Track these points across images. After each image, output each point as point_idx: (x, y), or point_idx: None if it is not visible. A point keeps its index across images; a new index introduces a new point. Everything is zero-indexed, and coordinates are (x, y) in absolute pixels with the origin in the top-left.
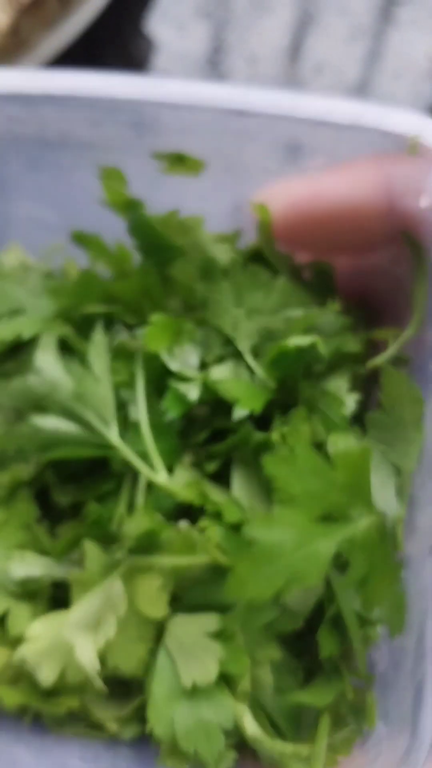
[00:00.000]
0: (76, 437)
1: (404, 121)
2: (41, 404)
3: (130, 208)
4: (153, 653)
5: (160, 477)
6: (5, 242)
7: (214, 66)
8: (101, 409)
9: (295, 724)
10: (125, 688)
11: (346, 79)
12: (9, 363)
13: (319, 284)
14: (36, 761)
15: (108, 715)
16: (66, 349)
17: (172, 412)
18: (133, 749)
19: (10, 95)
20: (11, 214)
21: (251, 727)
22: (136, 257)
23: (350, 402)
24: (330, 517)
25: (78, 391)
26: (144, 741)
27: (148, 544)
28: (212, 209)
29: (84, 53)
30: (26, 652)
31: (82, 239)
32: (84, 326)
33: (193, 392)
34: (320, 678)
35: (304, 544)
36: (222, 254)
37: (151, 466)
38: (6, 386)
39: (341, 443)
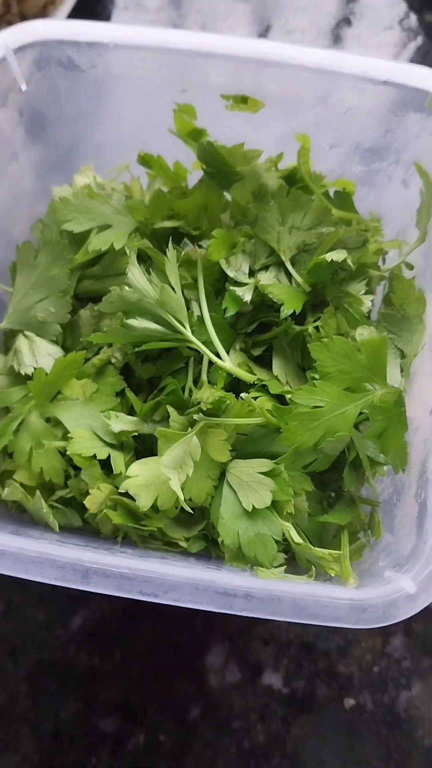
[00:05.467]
0: (160, 334)
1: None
2: (132, 308)
3: (196, 136)
4: (217, 488)
5: (223, 361)
6: (80, 164)
7: None
8: (177, 312)
9: (320, 540)
10: (189, 517)
11: None
12: (95, 267)
13: (340, 200)
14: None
15: (180, 536)
16: (143, 257)
17: (230, 310)
18: (199, 559)
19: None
20: (85, 140)
21: (296, 537)
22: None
23: (367, 302)
24: (356, 389)
25: (160, 299)
26: (205, 555)
27: (217, 409)
28: (260, 137)
29: None
30: (128, 485)
31: (146, 160)
32: (157, 237)
33: (247, 295)
34: (340, 505)
35: (337, 408)
36: (271, 180)
37: (214, 352)
38: (106, 297)
39: (365, 333)
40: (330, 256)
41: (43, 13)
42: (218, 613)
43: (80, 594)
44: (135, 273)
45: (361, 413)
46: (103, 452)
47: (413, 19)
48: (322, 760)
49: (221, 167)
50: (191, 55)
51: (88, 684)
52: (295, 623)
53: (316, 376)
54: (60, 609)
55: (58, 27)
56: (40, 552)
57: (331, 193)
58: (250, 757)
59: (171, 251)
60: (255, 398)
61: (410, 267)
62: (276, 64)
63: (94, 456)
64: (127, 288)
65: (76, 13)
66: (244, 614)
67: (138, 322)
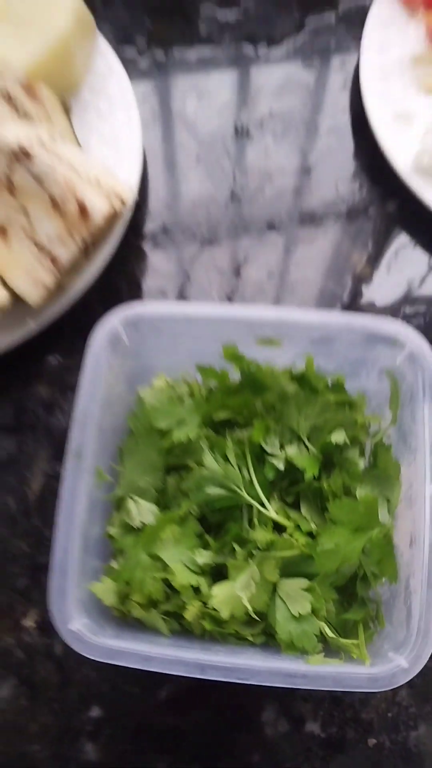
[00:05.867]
0: (225, 496)
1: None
2: (207, 481)
3: (240, 361)
4: (272, 599)
5: (267, 510)
6: (156, 372)
7: (195, 280)
8: (236, 480)
9: (344, 630)
10: (253, 620)
11: (306, 294)
12: (176, 448)
13: (336, 389)
14: (231, 657)
15: (248, 633)
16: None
17: (269, 476)
18: (263, 648)
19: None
20: (159, 357)
21: (329, 633)
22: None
23: (360, 464)
24: (359, 529)
25: (225, 474)
26: (266, 645)
27: (270, 545)
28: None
29: (101, 283)
30: (214, 603)
31: (201, 368)
32: (215, 424)
33: (280, 464)
34: (355, 605)
35: (348, 544)
36: (289, 387)
37: (264, 506)
38: (190, 475)
39: (362, 491)
40: (334, 439)
41: (106, 235)
42: None
43: (164, 674)
44: (208, 459)
45: (365, 547)
46: (194, 581)
47: (376, 207)
48: None
49: (256, 381)
50: (230, 321)
51: (174, 740)
52: None
53: (333, 520)
54: (150, 684)
55: (149, 309)
56: (177, 656)
57: (330, 382)
58: None
59: (229, 440)
60: (291, 534)
61: (388, 436)
62: (290, 324)
63: (189, 585)
64: (204, 470)
65: (126, 234)
66: (303, 687)
67: (211, 490)
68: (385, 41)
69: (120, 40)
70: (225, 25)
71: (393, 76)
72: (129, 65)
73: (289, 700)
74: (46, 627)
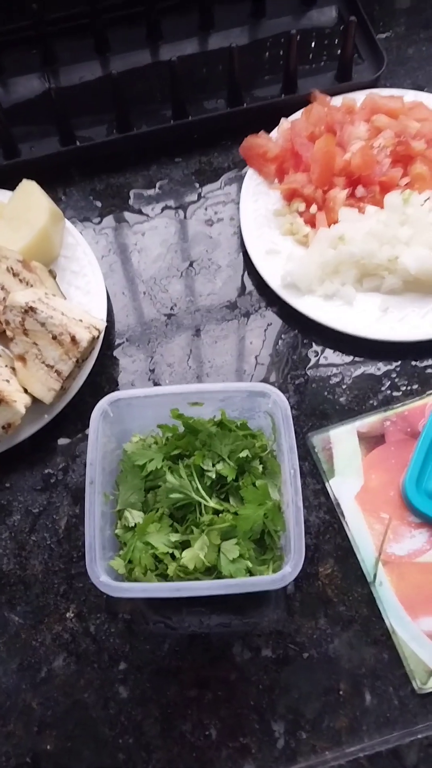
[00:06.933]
0: (183, 498)
1: (260, 386)
2: (171, 491)
3: (181, 418)
4: (219, 554)
5: (209, 504)
6: (133, 432)
7: (153, 372)
8: (188, 489)
9: (262, 566)
10: (209, 569)
11: (226, 372)
12: (150, 475)
13: (243, 427)
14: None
15: (206, 578)
16: (170, 467)
17: (208, 483)
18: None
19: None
20: (133, 424)
21: (251, 566)
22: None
23: (260, 468)
24: (261, 504)
25: (181, 485)
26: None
27: (212, 522)
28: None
29: (89, 382)
30: (183, 561)
31: (160, 425)
32: (173, 458)
33: (213, 475)
34: (267, 551)
35: (255, 513)
36: (213, 429)
37: (206, 500)
38: (160, 489)
39: (261, 483)
40: (243, 455)
41: (90, 352)
42: (233, 627)
43: (167, 632)
44: (170, 478)
45: (265, 514)
46: (171, 551)
47: (264, 310)
48: (299, 686)
49: (193, 429)
50: (173, 395)
51: (178, 675)
52: (273, 619)
53: (245, 500)
54: (157, 641)
55: (124, 394)
56: (161, 587)
57: (238, 423)
58: (264, 691)
59: (182, 465)
60: (224, 515)
61: (274, 453)
62: (206, 392)
63: (168, 553)
64: (169, 484)
65: (102, 348)
66: (234, 592)
67: (174, 496)
68: (255, 201)
69: (80, 219)
70: (149, 199)
71: (263, 225)
72: (89, 235)
73: (249, 638)
74: (82, 616)
